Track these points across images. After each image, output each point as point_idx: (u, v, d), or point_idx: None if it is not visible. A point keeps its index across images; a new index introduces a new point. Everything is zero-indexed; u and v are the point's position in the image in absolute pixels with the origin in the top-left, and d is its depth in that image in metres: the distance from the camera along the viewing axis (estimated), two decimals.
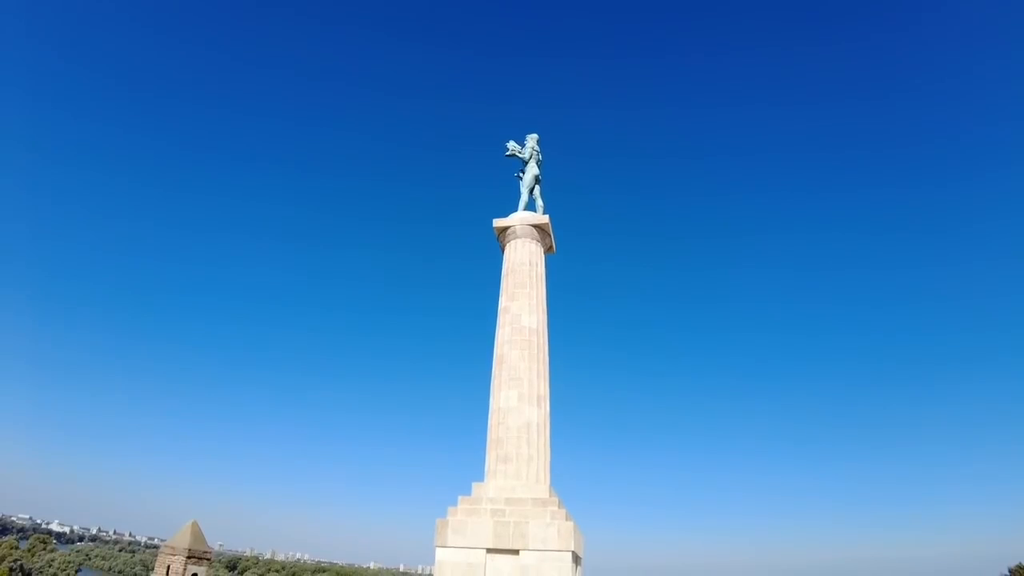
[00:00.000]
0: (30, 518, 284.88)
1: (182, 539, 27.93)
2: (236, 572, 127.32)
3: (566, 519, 16.11)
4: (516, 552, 15.68)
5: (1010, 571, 46.12)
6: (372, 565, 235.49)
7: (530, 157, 21.87)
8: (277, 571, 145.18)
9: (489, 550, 15.86)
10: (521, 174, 21.96)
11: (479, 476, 18.00)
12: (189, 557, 27.53)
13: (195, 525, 28.19)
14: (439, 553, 16.12)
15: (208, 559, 28.47)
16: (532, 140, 22.17)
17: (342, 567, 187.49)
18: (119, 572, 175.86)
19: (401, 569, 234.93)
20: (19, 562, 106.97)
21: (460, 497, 17.15)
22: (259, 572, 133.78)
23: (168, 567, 27.47)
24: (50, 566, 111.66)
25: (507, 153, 22.09)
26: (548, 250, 21.33)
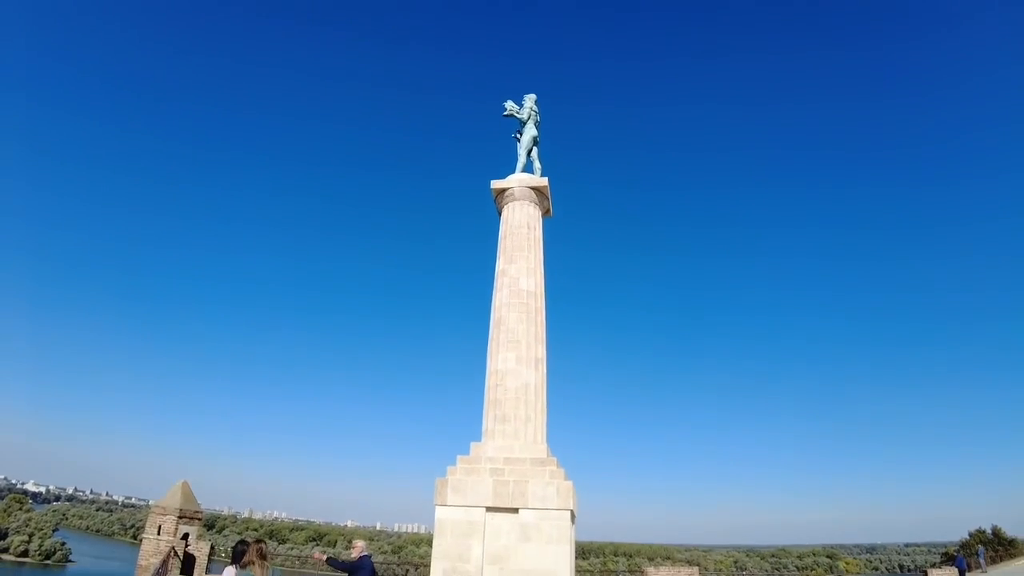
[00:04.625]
0: (4, 478, 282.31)
1: (172, 499, 27.89)
2: (214, 531, 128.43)
3: (564, 478, 16.45)
4: (515, 511, 15.99)
5: (970, 535, 48.78)
6: (349, 524, 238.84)
7: (528, 118, 21.51)
8: (255, 530, 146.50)
9: (488, 508, 16.15)
10: (519, 135, 21.63)
11: (474, 438, 18.20)
12: (180, 517, 27.55)
13: (185, 485, 28.17)
14: (439, 511, 16.37)
15: (199, 519, 28.56)
16: (530, 100, 21.77)
17: (319, 525, 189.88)
18: (97, 531, 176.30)
19: (378, 527, 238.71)
20: None
21: (459, 456, 17.36)
22: (237, 531, 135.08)
23: (159, 527, 27.48)
24: (27, 526, 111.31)
25: (505, 113, 21.70)
26: (546, 213, 21.24)
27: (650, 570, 28.74)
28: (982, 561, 38.57)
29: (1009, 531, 48.42)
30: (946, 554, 47.21)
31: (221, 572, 8.20)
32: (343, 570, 11.48)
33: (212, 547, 27.37)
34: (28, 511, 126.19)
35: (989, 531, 48.42)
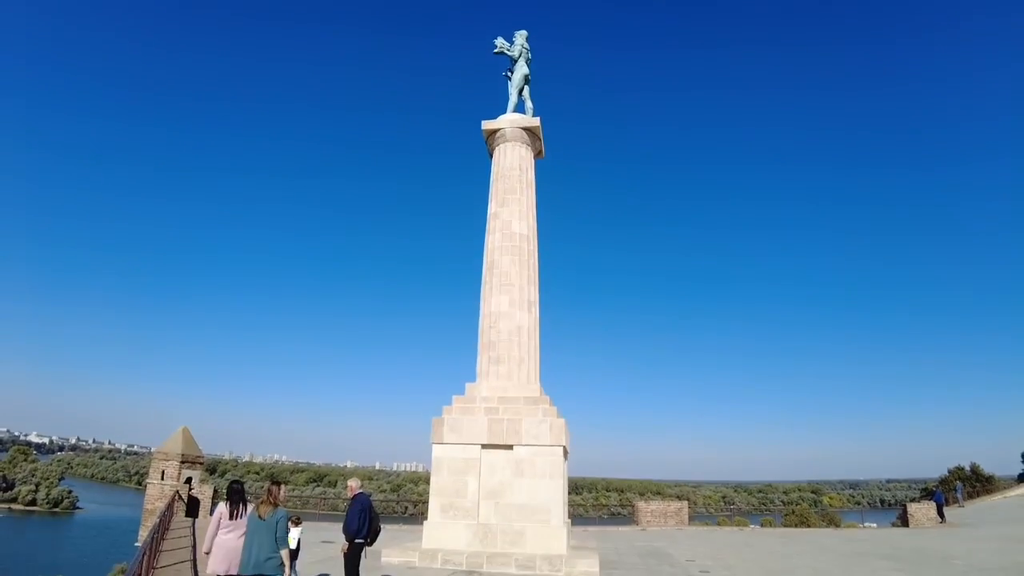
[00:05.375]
0: (7, 431, 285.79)
1: (174, 445, 28.42)
2: (216, 475, 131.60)
3: (557, 416, 16.79)
4: (510, 447, 16.38)
5: (949, 472, 50.39)
6: (349, 464, 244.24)
7: (519, 55, 20.84)
8: (256, 473, 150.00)
9: (484, 446, 16.53)
10: (510, 73, 21.02)
11: (469, 379, 18.46)
12: (183, 462, 28.13)
13: (186, 431, 28.66)
14: (436, 450, 16.76)
15: (201, 463, 29.18)
16: (521, 37, 21.06)
17: (319, 467, 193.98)
18: (102, 478, 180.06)
19: (377, 467, 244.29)
20: (1, 473, 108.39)
21: (455, 397, 17.66)
22: (239, 474, 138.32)
23: (163, 472, 28.07)
24: (33, 476, 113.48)
25: (495, 51, 21.04)
26: (538, 154, 20.90)
27: (640, 504, 29.78)
28: (960, 496, 39.91)
29: (987, 469, 49.95)
30: (925, 490, 48.75)
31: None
32: (352, 529, 10.47)
33: (215, 490, 28.04)
34: (33, 462, 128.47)
35: (968, 468, 49.87)
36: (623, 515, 38.56)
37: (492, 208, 19.50)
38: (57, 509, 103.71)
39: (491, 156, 20.54)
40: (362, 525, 10.38)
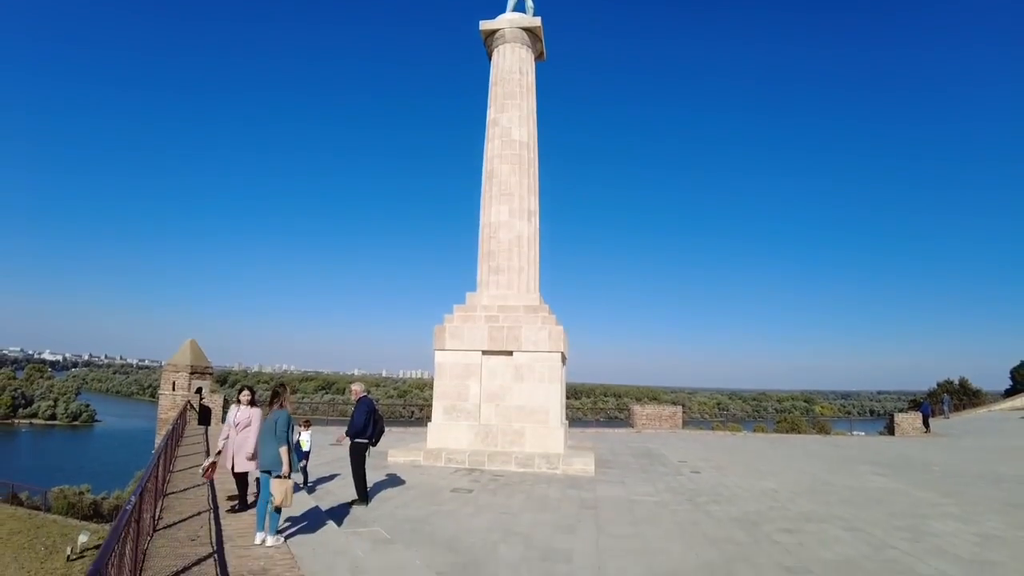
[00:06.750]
0: (21, 350, 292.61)
1: (182, 357, 29.09)
2: (227, 386, 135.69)
3: (556, 324, 17.05)
4: (510, 353, 16.76)
5: (938, 385, 51.62)
6: (356, 372, 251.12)
7: None
8: (266, 382, 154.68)
9: (484, 352, 16.92)
10: None
11: (470, 289, 18.62)
12: (192, 373, 28.89)
13: (194, 343, 29.26)
14: (438, 356, 17.17)
15: (210, 373, 29.96)
16: None
17: (328, 375, 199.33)
18: (116, 392, 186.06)
19: (383, 374, 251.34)
20: (19, 390, 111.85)
21: (455, 306, 17.88)
22: (249, 383, 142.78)
23: (173, 383, 28.89)
24: (50, 392, 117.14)
25: None
26: (539, 57, 20.06)
27: (636, 408, 30.80)
28: (946, 408, 41.03)
29: (976, 384, 51.09)
30: (914, 401, 49.92)
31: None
32: (358, 427, 10.63)
33: (225, 400, 28.96)
34: (49, 379, 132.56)
35: (957, 383, 50.97)
36: (620, 419, 40.09)
37: (491, 114, 18.95)
38: (76, 423, 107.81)
39: (490, 59, 19.73)
40: (367, 425, 10.76)
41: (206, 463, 9.44)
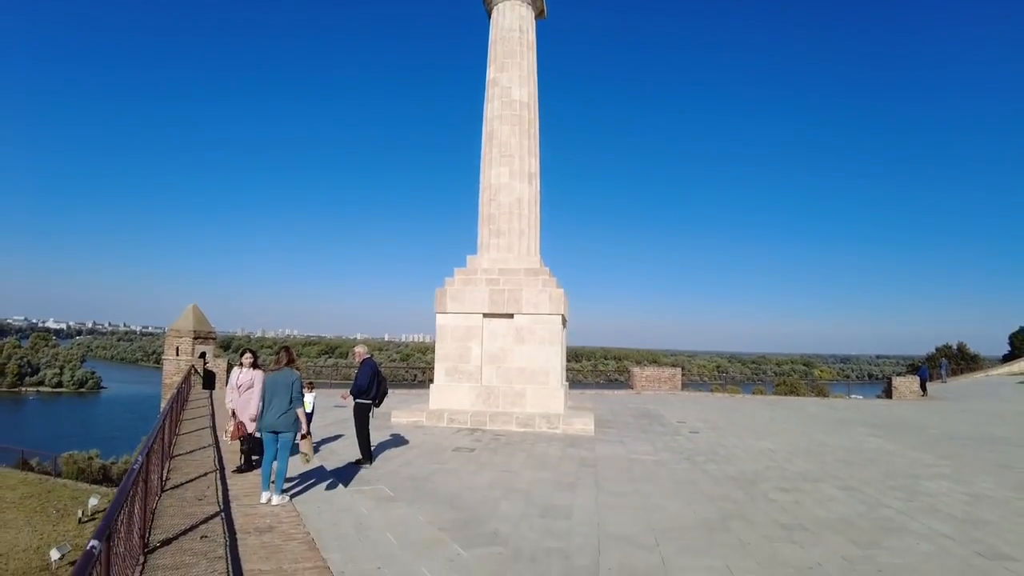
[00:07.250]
0: (25, 319, 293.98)
1: (185, 322, 29.22)
2: (230, 351, 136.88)
3: (556, 287, 17.04)
4: (510, 316, 16.79)
5: (937, 349, 51.84)
6: (359, 336, 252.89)
7: None
8: (269, 347, 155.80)
9: (485, 315, 16.95)
10: None
11: (471, 252, 18.54)
12: (195, 338, 29.06)
13: (196, 308, 29.36)
14: (439, 319, 17.21)
15: (213, 338, 30.15)
16: None
17: (331, 339, 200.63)
18: (121, 359, 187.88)
19: (386, 338, 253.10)
20: (25, 359, 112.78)
21: (456, 269, 17.84)
22: (253, 348, 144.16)
23: (177, 348, 29.08)
24: (56, 360, 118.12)
25: None
26: (539, 14, 19.56)
27: (636, 370, 31.03)
28: (944, 373, 41.25)
29: (974, 349, 51.34)
30: (912, 365, 50.24)
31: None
32: (362, 387, 10.72)
33: (229, 364, 29.20)
34: (54, 347, 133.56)
35: (955, 347, 51.20)
36: (620, 381, 40.43)
37: (491, 74, 18.58)
38: (83, 389, 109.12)
39: (489, 16, 19.26)
40: (371, 385, 10.86)
41: (230, 427, 9.65)
